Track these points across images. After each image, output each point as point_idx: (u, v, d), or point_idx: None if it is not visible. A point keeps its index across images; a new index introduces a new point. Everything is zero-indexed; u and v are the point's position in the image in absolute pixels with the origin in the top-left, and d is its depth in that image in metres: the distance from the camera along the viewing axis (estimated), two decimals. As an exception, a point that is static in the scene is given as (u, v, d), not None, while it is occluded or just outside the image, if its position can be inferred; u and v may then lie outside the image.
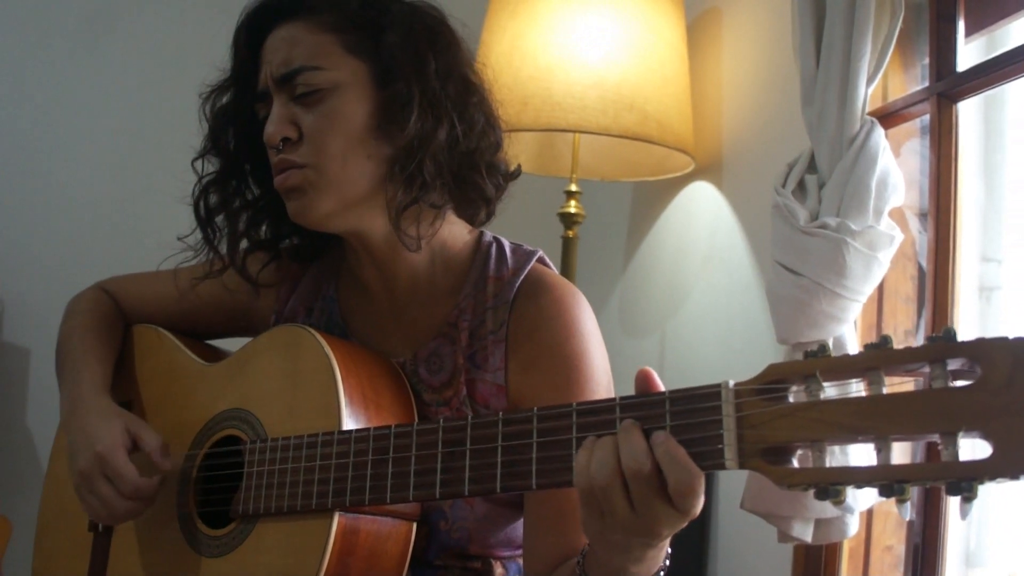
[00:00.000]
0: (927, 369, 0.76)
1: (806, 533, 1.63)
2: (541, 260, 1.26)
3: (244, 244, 1.30)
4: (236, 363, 1.28)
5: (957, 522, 1.68)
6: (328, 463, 1.08)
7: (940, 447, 0.74)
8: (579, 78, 2.07)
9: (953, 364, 0.75)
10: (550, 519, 1.15)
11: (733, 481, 1.97)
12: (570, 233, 2.24)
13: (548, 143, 2.43)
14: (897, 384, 0.78)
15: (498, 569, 1.23)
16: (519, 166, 1.30)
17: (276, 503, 1.12)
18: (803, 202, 1.68)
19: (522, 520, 1.24)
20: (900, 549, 1.78)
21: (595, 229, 2.49)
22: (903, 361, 0.77)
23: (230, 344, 1.40)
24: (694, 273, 2.28)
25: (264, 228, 1.31)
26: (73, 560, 1.32)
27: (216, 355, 1.37)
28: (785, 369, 0.83)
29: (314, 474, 1.09)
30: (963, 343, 0.74)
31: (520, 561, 1.25)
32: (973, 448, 0.75)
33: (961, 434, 0.74)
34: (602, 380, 1.19)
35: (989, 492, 1.67)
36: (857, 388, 0.80)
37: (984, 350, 0.73)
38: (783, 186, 1.71)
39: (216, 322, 1.43)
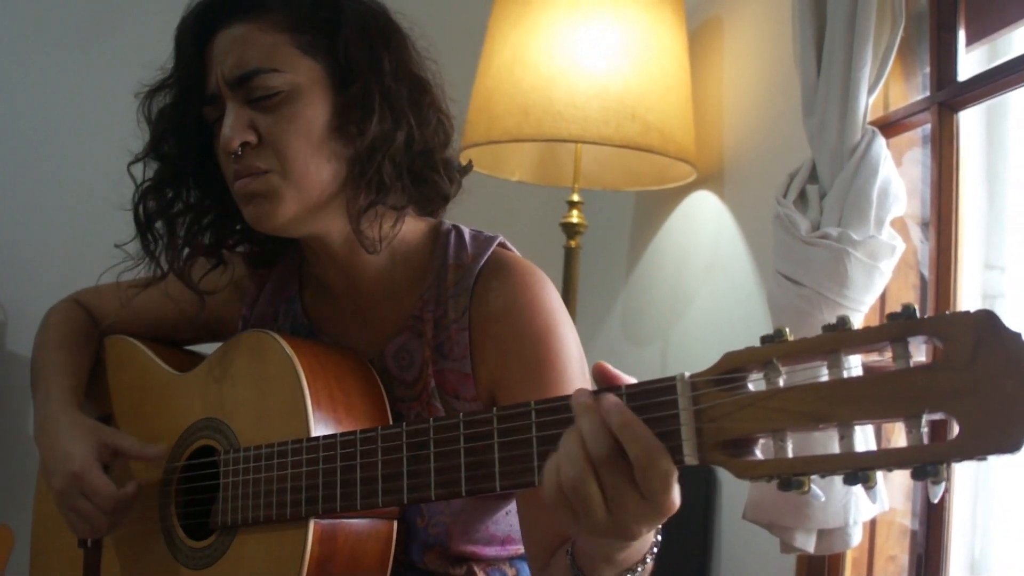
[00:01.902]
0: (888, 349, 0.73)
1: (809, 543, 1.63)
2: (502, 244, 1.25)
3: (185, 251, 1.26)
4: (206, 372, 1.27)
5: (962, 530, 1.67)
6: (299, 471, 1.08)
7: (904, 430, 0.71)
8: (581, 88, 2.07)
9: (916, 341, 0.72)
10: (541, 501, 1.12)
11: (735, 491, 1.97)
12: (572, 243, 2.24)
13: (550, 153, 2.43)
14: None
15: None
16: (471, 162, 1.29)
17: (253, 513, 1.12)
18: (804, 212, 1.68)
19: (501, 514, 1.24)
20: (904, 559, 1.78)
21: (597, 239, 2.50)
22: (862, 342, 0.73)
23: (207, 349, 1.39)
24: (696, 282, 2.28)
25: (207, 234, 1.27)
26: (67, 573, 1.32)
27: (191, 362, 1.36)
28: (742, 357, 0.79)
29: (287, 483, 1.09)
30: (922, 319, 0.71)
31: (504, 568, 1.24)
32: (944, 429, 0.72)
33: (926, 415, 0.70)
34: (573, 354, 1.17)
35: (994, 498, 1.67)
36: (819, 373, 0.76)
37: (945, 326, 0.70)
38: (784, 196, 1.71)
39: (180, 332, 1.41)
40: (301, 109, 1.14)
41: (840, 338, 0.74)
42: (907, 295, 1.82)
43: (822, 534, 1.63)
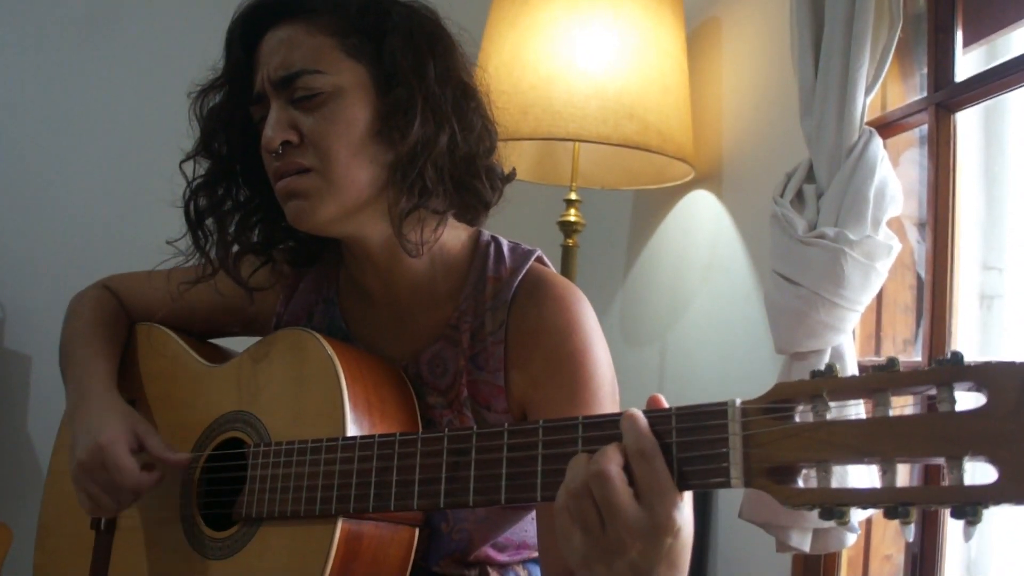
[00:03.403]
0: (933, 392, 0.76)
1: (804, 543, 1.63)
2: (539, 259, 1.26)
3: (235, 248, 1.28)
4: (240, 365, 1.28)
5: (958, 531, 1.67)
6: (332, 469, 1.09)
7: (945, 470, 0.74)
8: (579, 87, 2.07)
9: (961, 388, 0.75)
10: None
11: (732, 491, 1.97)
12: (570, 242, 2.24)
13: (548, 152, 2.44)
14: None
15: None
16: (514, 169, 1.30)
17: (280, 507, 1.12)
18: (801, 212, 1.69)
19: (521, 522, 1.24)
20: (899, 558, 1.78)
21: (595, 238, 2.50)
22: (910, 384, 0.77)
23: (235, 344, 1.40)
24: (694, 282, 2.28)
25: (256, 232, 1.29)
26: (75, 558, 1.32)
27: (220, 356, 1.38)
28: (792, 388, 0.83)
29: (318, 480, 1.09)
30: (970, 367, 0.74)
31: (518, 569, 1.25)
32: (973, 471, 0.75)
33: (967, 458, 0.74)
34: (606, 375, 1.18)
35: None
36: (865, 409, 0.80)
37: (991, 375, 0.73)
38: (781, 196, 1.71)
39: (214, 323, 1.42)
40: (343, 110, 1.15)
41: (888, 378, 0.78)
42: (904, 295, 1.82)
43: (818, 533, 1.64)
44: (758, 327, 1.95)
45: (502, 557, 1.24)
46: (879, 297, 1.77)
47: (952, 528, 1.64)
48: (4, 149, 2.40)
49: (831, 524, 1.59)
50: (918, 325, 1.80)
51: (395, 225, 1.16)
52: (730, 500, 1.98)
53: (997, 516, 1.69)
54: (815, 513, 0.81)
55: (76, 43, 2.46)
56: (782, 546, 1.66)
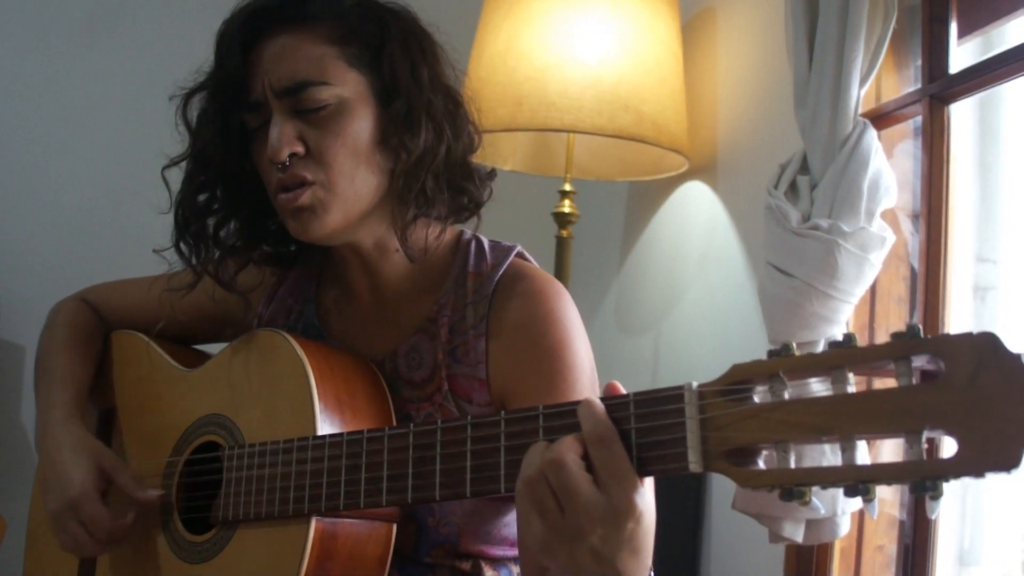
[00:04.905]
0: (892, 366, 0.75)
1: (797, 533, 1.64)
2: (520, 254, 1.27)
3: (217, 253, 1.26)
4: (214, 368, 1.28)
5: (951, 521, 1.68)
6: (303, 469, 1.09)
7: (905, 445, 0.74)
8: (574, 78, 2.07)
9: (918, 361, 0.74)
10: None
11: (725, 481, 1.98)
12: (564, 233, 2.24)
13: (543, 143, 2.43)
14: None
15: (488, 572, 1.23)
16: (494, 168, 1.31)
17: (255, 509, 1.13)
18: (795, 203, 1.69)
19: (511, 516, 1.24)
20: (891, 549, 1.79)
21: (590, 229, 2.50)
22: (867, 359, 0.76)
23: (214, 348, 1.40)
24: (689, 273, 2.29)
25: (239, 237, 1.28)
26: (62, 565, 1.33)
27: (198, 360, 1.37)
28: (749, 369, 0.82)
29: (290, 480, 1.10)
30: (926, 339, 0.73)
31: (511, 565, 1.25)
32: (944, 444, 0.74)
33: (926, 432, 0.73)
34: (585, 368, 1.18)
35: (983, 490, 1.68)
36: (823, 387, 0.79)
37: (948, 346, 0.72)
38: (775, 187, 1.71)
39: (202, 330, 1.42)
40: (348, 123, 1.16)
41: (845, 355, 0.77)
42: (897, 287, 1.83)
43: (810, 524, 1.64)
44: (752, 318, 1.95)
45: (497, 551, 1.24)
46: (873, 289, 1.77)
47: (945, 518, 1.65)
48: (2, 141, 2.40)
49: (827, 514, 1.60)
50: (912, 317, 1.80)
51: (399, 234, 1.18)
52: (723, 491, 1.98)
53: (989, 506, 1.70)
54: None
55: (75, 39, 2.45)
56: (775, 537, 1.67)
